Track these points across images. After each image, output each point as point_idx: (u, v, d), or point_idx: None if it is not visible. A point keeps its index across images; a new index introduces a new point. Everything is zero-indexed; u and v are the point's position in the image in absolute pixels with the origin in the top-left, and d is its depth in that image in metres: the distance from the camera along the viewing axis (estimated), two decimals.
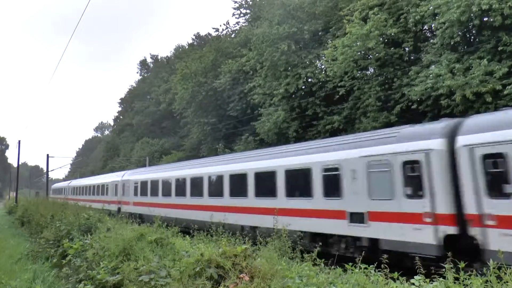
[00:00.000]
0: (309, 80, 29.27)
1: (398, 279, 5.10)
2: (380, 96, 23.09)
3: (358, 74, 25.34)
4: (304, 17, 30.00)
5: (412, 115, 21.63)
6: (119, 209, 30.74)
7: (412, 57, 24.10)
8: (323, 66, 28.41)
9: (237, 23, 46.60)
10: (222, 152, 35.06)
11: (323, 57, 27.27)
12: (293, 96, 29.85)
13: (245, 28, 42.66)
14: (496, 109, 15.96)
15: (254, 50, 32.11)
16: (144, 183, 27.42)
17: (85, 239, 9.24)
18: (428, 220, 10.25)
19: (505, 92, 16.51)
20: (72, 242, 9.27)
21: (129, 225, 10.08)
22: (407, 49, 23.86)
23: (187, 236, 9.81)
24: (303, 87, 29.64)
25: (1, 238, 18.04)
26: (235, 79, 36.61)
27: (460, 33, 19.24)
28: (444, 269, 4.97)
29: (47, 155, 48.68)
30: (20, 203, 33.67)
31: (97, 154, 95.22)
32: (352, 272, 5.01)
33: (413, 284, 4.65)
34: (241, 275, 4.26)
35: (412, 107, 21.23)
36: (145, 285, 5.30)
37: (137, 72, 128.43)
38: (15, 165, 68.92)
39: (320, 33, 30.25)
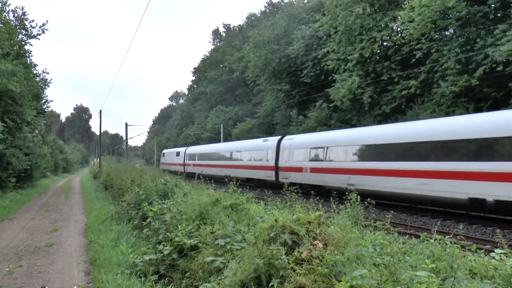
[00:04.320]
0: (385, 43, 28.54)
1: (476, 251, 4.86)
2: (460, 58, 22.08)
3: (436, 36, 24.32)
4: None
5: (497, 78, 20.56)
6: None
7: (498, 15, 22.60)
8: (399, 29, 27.53)
9: None
10: (296, 118, 35.42)
11: (399, 19, 26.39)
12: (368, 61, 29.34)
13: None
14: None
15: (327, 14, 31.74)
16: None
17: (163, 203, 9.48)
18: None
19: None
20: (151, 205, 9.66)
21: (205, 190, 10.19)
22: (492, 6, 22.36)
23: (261, 202, 9.75)
24: (378, 51, 28.99)
25: (89, 200, 19.91)
26: (308, 45, 36.49)
27: None
28: None
29: (126, 123, 51.11)
30: (103, 169, 35.31)
31: (173, 122, 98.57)
32: (427, 243, 4.86)
33: (493, 258, 4.29)
34: (315, 242, 4.27)
35: (497, 69, 20.12)
36: (221, 248, 5.50)
37: (210, 42, 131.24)
38: (98, 133, 74.54)
39: None
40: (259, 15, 68.37)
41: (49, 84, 31.49)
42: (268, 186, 23.83)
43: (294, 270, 3.93)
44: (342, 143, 19.72)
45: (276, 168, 24.74)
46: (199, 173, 18.34)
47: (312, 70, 36.24)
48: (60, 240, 10.37)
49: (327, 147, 20.47)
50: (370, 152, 17.86)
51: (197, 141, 70.73)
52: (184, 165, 44.29)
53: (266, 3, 69.05)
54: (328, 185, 19.92)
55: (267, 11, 66.34)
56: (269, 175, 25.46)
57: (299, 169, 22.42)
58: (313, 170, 21.21)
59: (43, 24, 26.99)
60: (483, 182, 13.16)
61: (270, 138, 27.79)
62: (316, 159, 21.21)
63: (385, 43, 28.54)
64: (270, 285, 4.04)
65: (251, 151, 28.68)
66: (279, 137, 26.23)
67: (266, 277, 4.20)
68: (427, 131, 15.53)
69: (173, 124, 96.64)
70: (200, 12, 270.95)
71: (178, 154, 48.63)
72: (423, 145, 15.44)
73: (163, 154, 58.55)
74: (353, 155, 18.79)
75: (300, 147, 22.80)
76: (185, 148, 48.58)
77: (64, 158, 64.25)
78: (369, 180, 17.34)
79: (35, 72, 28.46)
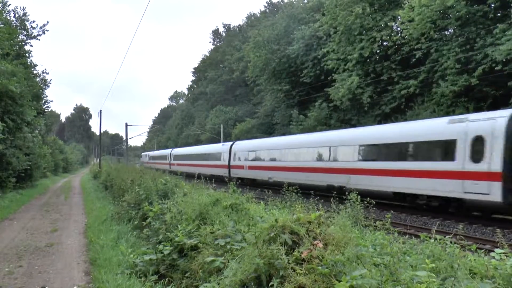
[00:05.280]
0: (384, 43, 28.52)
1: (476, 251, 4.88)
2: (460, 58, 22.07)
3: (436, 36, 24.30)
4: None
5: (496, 77, 20.56)
6: None
7: (498, 14, 22.58)
8: (399, 29, 27.53)
9: None
10: (296, 118, 35.43)
11: (399, 19, 26.39)
12: (368, 60, 29.31)
13: None
14: None
15: (327, 14, 31.73)
16: None
17: (163, 203, 9.45)
18: None
19: None
20: (151, 205, 9.66)
21: (205, 190, 10.21)
22: (492, 5, 22.33)
23: (261, 202, 9.76)
24: (378, 51, 28.97)
25: (89, 200, 19.94)
26: (308, 45, 36.47)
27: None
28: None
29: (126, 123, 51.19)
30: (103, 169, 35.62)
31: (173, 122, 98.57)
32: (426, 243, 4.80)
33: (493, 258, 4.23)
34: (315, 242, 4.25)
35: (496, 68, 20.11)
36: (221, 248, 5.44)
37: (210, 42, 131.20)
38: (98, 133, 77.91)
39: None
40: (259, 15, 68.39)
41: (49, 84, 31.50)
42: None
43: (294, 270, 3.92)
44: None
45: (170, 164, 46.95)
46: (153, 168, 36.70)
47: (312, 70, 36.21)
48: (60, 240, 10.37)
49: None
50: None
51: (196, 142, 71.15)
52: (148, 162, 65.93)
53: (266, 3, 69.11)
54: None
55: (267, 11, 66.35)
56: (168, 167, 46.00)
57: None
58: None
59: (44, 25, 26.98)
60: None
61: (143, 154, 55.67)
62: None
63: (385, 43, 28.53)
64: (270, 285, 4.03)
65: (161, 155, 54.86)
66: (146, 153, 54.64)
67: (266, 277, 4.19)
68: None
69: (173, 124, 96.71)
70: (200, 12, 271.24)
71: (146, 156, 75.26)
72: None
73: (141, 156, 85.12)
74: None
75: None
76: (148, 152, 79.80)
77: (64, 158, 64.19)
78: None
79: (35, 72, 28.44)
